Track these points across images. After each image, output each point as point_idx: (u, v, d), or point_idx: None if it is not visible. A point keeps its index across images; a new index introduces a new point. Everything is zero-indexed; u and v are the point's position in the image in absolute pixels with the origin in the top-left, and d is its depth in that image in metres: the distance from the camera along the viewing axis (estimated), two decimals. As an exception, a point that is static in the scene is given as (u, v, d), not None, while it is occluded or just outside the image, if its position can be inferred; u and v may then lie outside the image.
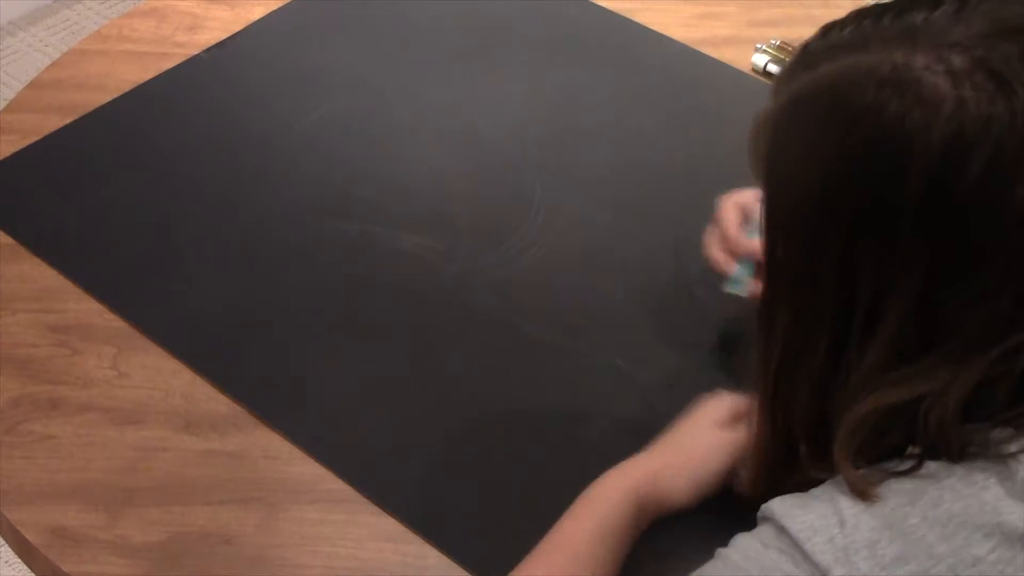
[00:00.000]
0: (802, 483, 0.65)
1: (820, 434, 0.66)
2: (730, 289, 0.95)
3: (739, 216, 0.95)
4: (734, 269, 0.95)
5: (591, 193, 1.18)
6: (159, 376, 0.99)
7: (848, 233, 0.60)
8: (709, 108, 1.27)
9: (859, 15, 0.62)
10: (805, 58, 0.63)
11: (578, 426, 0.96)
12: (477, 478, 0.92)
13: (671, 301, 1.07)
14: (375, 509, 0.90)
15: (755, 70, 1.32)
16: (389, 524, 0.89)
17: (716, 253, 0.96)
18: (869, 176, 0.58)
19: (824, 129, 0.59)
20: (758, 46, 1.33)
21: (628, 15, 1.42)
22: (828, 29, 0.63)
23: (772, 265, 0.66)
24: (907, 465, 0.61)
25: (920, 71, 0.57)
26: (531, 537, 0.82)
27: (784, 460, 0.71)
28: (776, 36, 1.33)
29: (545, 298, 1.07)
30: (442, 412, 0.97)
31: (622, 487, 0.82)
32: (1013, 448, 0.58)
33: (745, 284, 0.94)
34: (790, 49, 1.26)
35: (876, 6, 0.62)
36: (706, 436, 0.85)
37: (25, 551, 0.89)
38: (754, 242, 0.91)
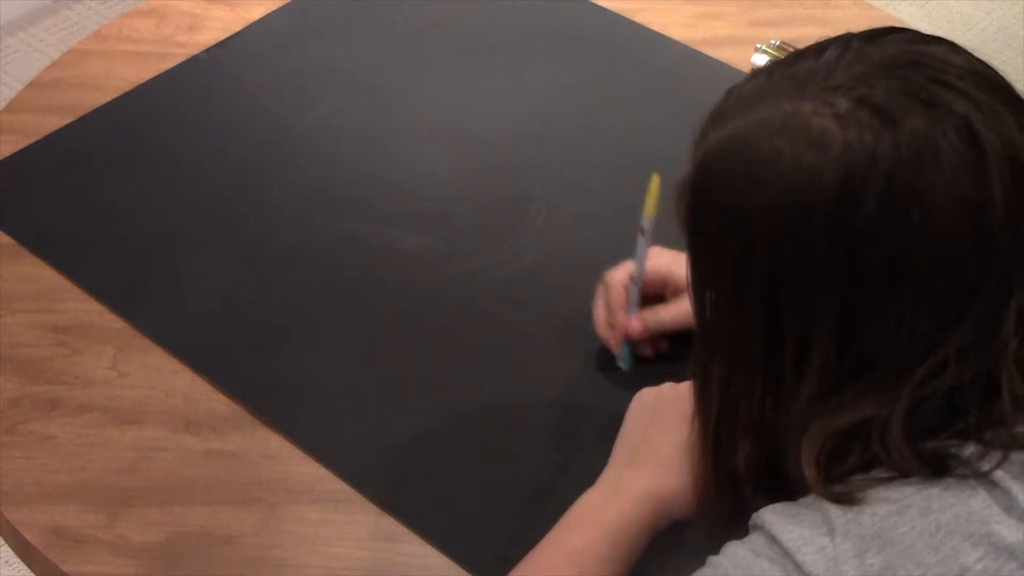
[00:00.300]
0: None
1: (765, 474, 0.69)
2: (620, 365, 1.00)
3: (623, 295, 0.97)
4: (622, 350, 0.99)
5: (591, 193, 1.18)
6: (159, 376, 0.99)
7: (767, 279, 0.62)
8: (709, 108, 1.26)
9: (756, 73, 0.66)
10: (713, 118, 0.66)
11: (578, 426, 0.96)
12: (477, 478, 0.92)
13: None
14: (375, 509, 0.90)
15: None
16: (389, 524, 0.89)
17: (605, 332, 0.99)
18: (776, 223, 0.61)
19: (732, 184, 0.63)
20: (758, 46, 1.33)
21: (628, 15, 1.42)
22: (731, 90, 0.67)
23: (702, 322, 0.69)
24: (890, 474, 0.62)
25: (808, 116, 0.60)
26: (531, 536, 0.82)
27: (730, 504, 0.73)
28: (776, 36, 1.33)
29: (545, 298, 1.07)
30: (442, 412, 0.97)
31: (633, 510, 0.81)
32: (987, 465, 0.60)
33: (630, 361, 0.99)
34: (790, 49, 1.26)
35: (770, 62, 0.66)
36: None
37: (25, 551, 0.89)
38: (632, 321, 0.96)
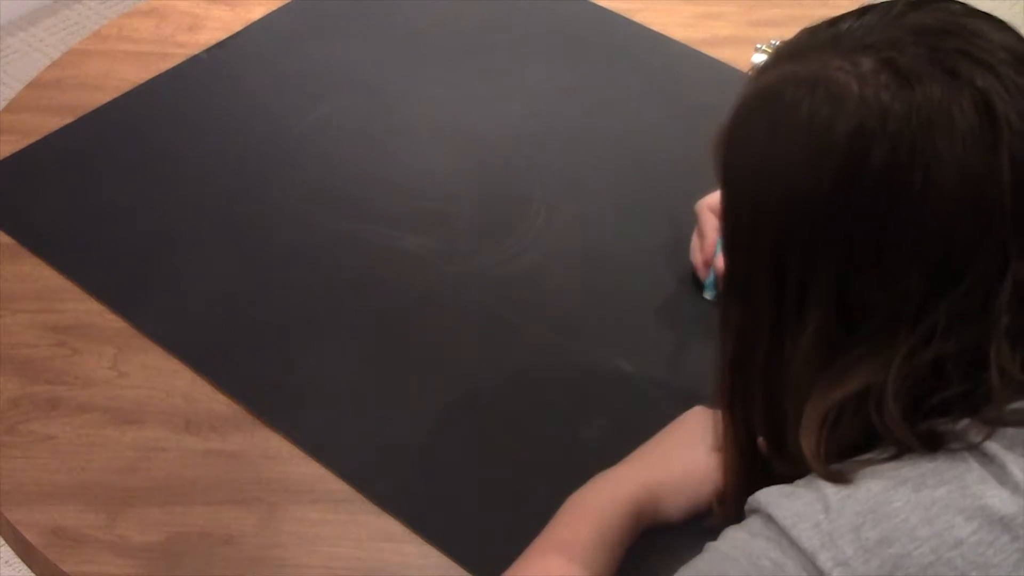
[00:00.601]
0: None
1: (774, 430, 0.70)
2: (706, 295, 1.00)
3: (714, 222, 0.99)
4: (708, 277, 1.00)
5: (591, 193, 1.18)
6: (159, 376, 0.99)
7: (777, 226, 0.64)
8: (709, 108, 1.26)
9: (803, 30, 0.68)
10: (756, 71, 0.68)
11: (578, 426, 0.96)
12: (477, 478, 0.92)
13: (671, 301, 1.07)
14: (375, 509, 0.90)
15: (755, 70, 1.32)
16: (389, 524, 0.89)
17: (696, 258, 1.01)
18: (789, 170, 0.63)
19: (758, 131, 0.65)
20: (758, 46, 1.33)
21: (628, 15, 1.42)
22: (781, 44, 0.69)
23: (727, 266, 0.71)
24: (887, 454, 0.63)
25: (833, 71, 0.62)
26: (530, 536, 0.82)
27: (751, 468, 0.74)
28: (776, 36, 1.33)
29: (545, 298, 1.07)
30: (442, 412, 0.97)
31: (621, 497, 0.82)
32: (977, 438, 0.61)
33: (714, 293, 1.00)
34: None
35: (821, 21, 0.68)
36: (703, 456, 0.85)
37: (25, 551, 0.89)
38: (719, 258, 0.96)
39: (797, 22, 0.69)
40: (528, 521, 0.86)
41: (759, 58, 1.32)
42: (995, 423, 0.61)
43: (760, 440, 0.73)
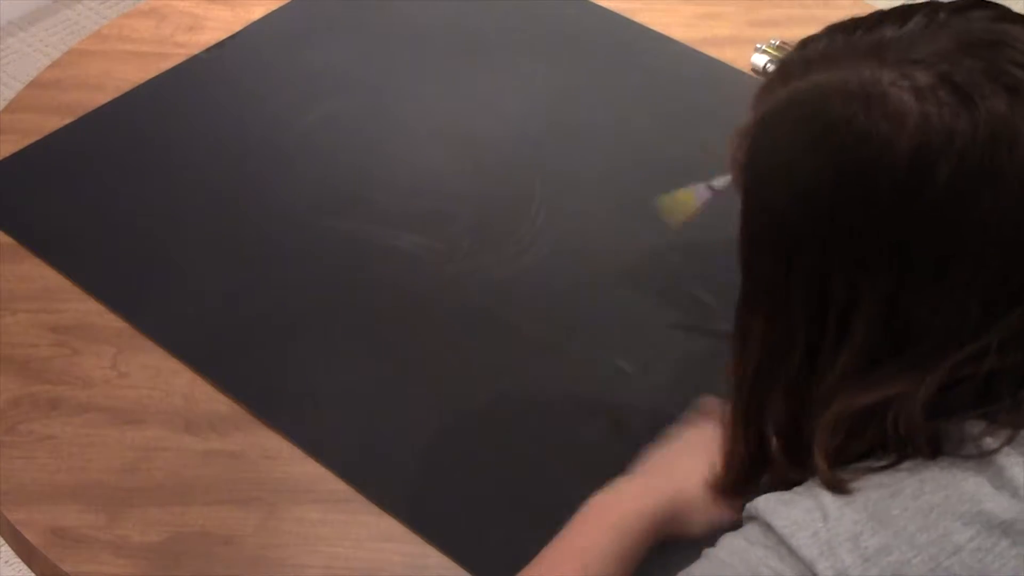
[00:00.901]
0: (774, 485, 0.66)
1: (793, 437, 0.69)
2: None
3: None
4: None
5: (591, 193, 1.18)
6: (159, 376, 0.99)
7: (821, 242, 0.62)
8: (709, 108, 1.27)
9: (833, 30, 0.65)
10: (783, 72, 0.65)
11: (578, 426, 0.96)
12: (477, 478, 0.92)
13: (671, 301, 1.07)
14: (375, 509, 0.90)
15: (755, 70, 1.32)
16: (389, 524, 0.89)
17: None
18: (840, 187, 0.60)
19: (797, 142, 0.62)
20: (758, 46, 1.33)
21: (628, 15, 1.42)
22: (805, 43, 0.65)
23: (749, 274, 0.68)
24: (885, 462, 0.62)
25: (887, 86, 0.59)
26: (531, 537, 0.82)
27: (754, 464, 0.74)
28: (776, 36, 1.33)
29: (545, 298, 1.07)
30: (442, 412, 0.97)
31: (642, 509, 0.81)
32: (989, 441, 0.60)
33: None
34: (789, 49, 1.27)
35: (850, 20, 0.64)
36: None
37: (25, 551, 0.89)
38: None
39: (797, 22, 0.69)
40: (528, 521, 0.86)
41: (759, 58, 1.32)
42: (1015, 426, 0.60)
43: (774, 444, 0.72)
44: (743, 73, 1.32)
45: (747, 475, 0.75)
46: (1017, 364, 0.60)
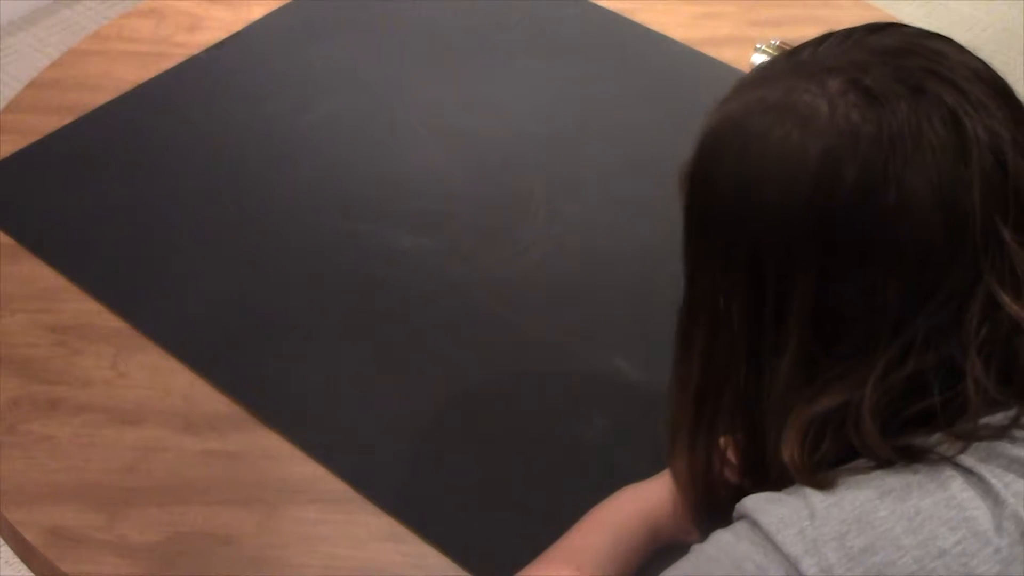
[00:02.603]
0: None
1: (758, 454, 0.70)
2: None
3: None
4: None
5: (591, 193, 1.18)
6: (159, 376, 0.99)
7: (751, 246, 0.65)
8: (709, 108, 1.26)
9: (761, 63, 0.70)
10: (718, 102, 0.69)
11: (578, 426, 0.96)
12: (477, 478, 0.92)
13: (672, 301, 1.06)
14: (375, 509, 0.90)
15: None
16: (389, 524, 0.89)
17: None
18: (761, 193, 0.64)
19: (726, 155, 0.66)
20: (758, 46, 1.33)
21: (628, 15, 1.42)
22: (740, 78, 0.70)
23: (690, 289, 0.71)
24: (872, 463, 0.63)
25: (800, 94, 0.63)
26: (530, 537, 0.82)
27: (709, 486, 0.75)
28: (776, 36, 1.33)
29: (545, 298, 1.07)
30: (442, 412, 0.97)
31: (640, 511, 0.82)
32: (951, 452, 0.61)
33: None
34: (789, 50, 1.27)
35: (778, 53, 0.70)
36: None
37: (25, 551, 0.89)
38: None
39: (797, 22, 0.70)
40: (528, 521, 0.86)
41: (759, 58, 1.32)
42: (968, 437, 0.61)
43: (727, 460, 0.74)
44: (743, 73, 1.32)
45: (706, 497, 0.76)
46: (942, 361, 0.62)
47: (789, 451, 0.64)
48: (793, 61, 0.66)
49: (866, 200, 0.60)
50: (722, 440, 0.75)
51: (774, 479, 0.66)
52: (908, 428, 0.63)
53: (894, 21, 0.67)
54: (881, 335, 0.62)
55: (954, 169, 0.60)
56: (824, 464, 0.64)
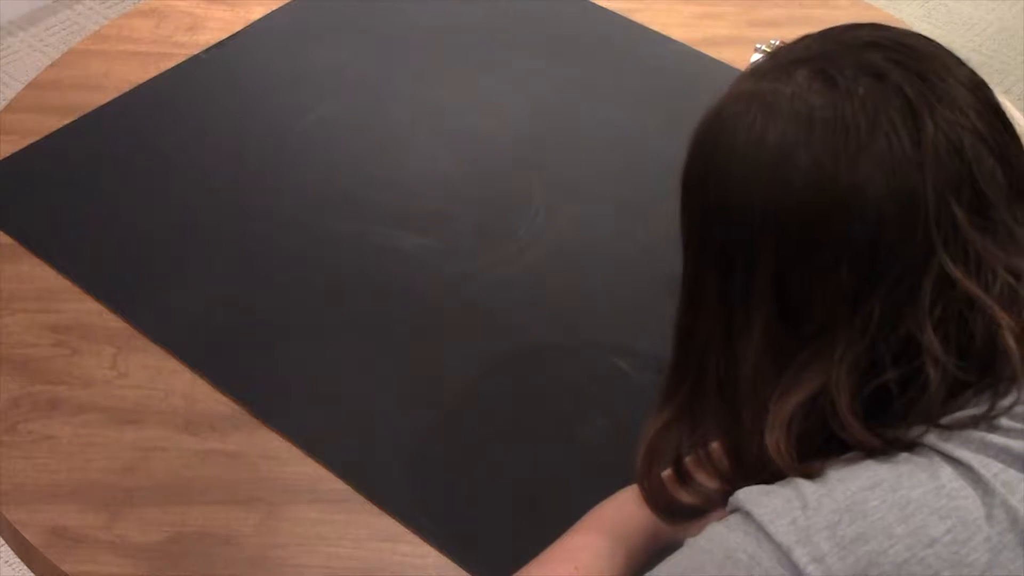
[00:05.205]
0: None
1: (736, 443, 0.71)
2: None
3: None
4: None
5: (591, 193, 1.18)
6: (159, 376, 0.99)
7: (721, 228, 0.67)
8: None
9: (757, 61, 0.71)
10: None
11: (577, 426, 0.96)
12: (477, 478, 0.92)
13: (671, 301, 1.06)
14: (375, 509, 0.90)
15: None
16: (389, 524, 0.89)
17: None
18: (730, 177, 0.66)
19: (704, 144, 0.69)
20: (758, 46, 1.33)
21: (628, 15, 1.42)
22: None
23: (684, 272, 0.73)
24: (860, 455, 0.64)
25: (769, 83, 0.66)
26: (530, 537, 0.82)
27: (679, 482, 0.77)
28: (776, 36, 1.33)
29: (545, 298, 1.07)
30: (442, 412, 0.97)
31: (639, 512, 0.82)
32: (948, 446, 0.62)
33: None
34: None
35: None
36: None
37: (25, 551, 0.89)
38: None
39: (797, 22, 0.70)
40: (527, 521, 0.86)
41: (759, 58, 1.32)
42: (943, 426, 0.63)
43: (712, 452, 0.74)
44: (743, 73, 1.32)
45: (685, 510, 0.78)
46: (903, 337, 0.63)
47: (775, 445, 0.65)
48: (773, 58, 0.68)
49: (818, 181, 0.62)
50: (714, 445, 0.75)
51: (766, 478, 0.66)
52: (886, 414, 0.64)
53: (878, 21, 0.69)
54: (840, 315, 0.63)
55: (908, 154, 0.61)
56: (812, 454, 0.65)
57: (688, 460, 0.76)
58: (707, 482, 0.76)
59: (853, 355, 0.63)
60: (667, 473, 0.78)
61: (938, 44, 0.67)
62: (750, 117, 0.65)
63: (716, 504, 0.76)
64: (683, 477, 0.77)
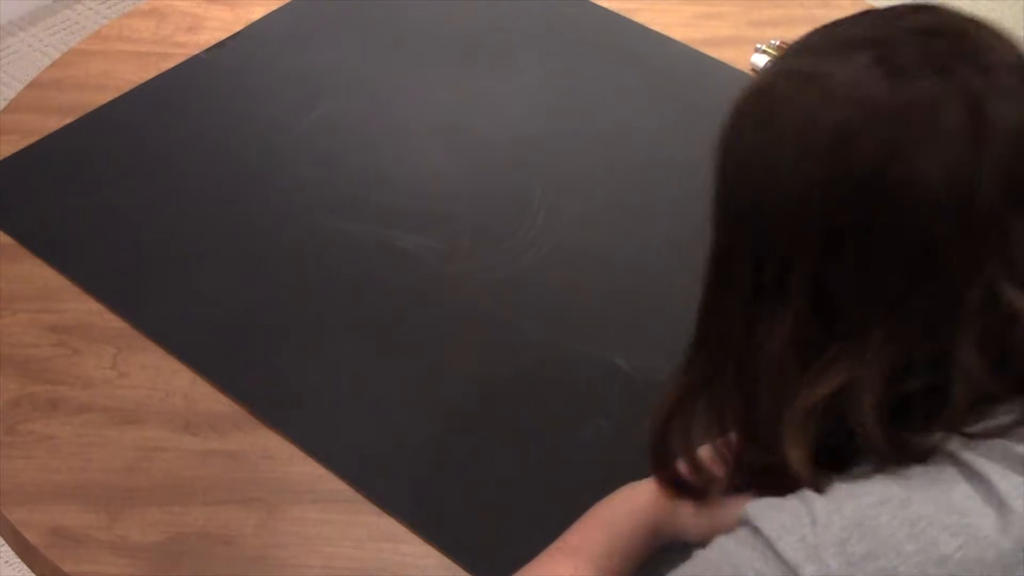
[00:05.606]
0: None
1: (752, 431, 0.70)
2: None
3: None
4: None
5: (591, 193, 1.18)
6: (159, 376, 0.99)
7: (764, 214, 0.65)
8: (709, 108, 1.25)
9: (804, 35, 0.68)
10: (757, 73, 0.70)
11: (577, 426, 0.96)
12: (477, 478, 0.92)
13: (671, 301, 1.07)
14: (375, 509, 0.90)
15: (755, 70, 1.32)
16: (389, 524, 0.89)
17: None
18: (778, 159, 0.63)
19: (750, 122, 0.66)
20: (758, 46, 1.33)
21: (628, 15, 1.42)
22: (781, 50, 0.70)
23: (712, 252, 0.70)
24: (872, 466, 0.63)
25: (826, 65, 0.63)
26: (530, 537, 0.82)
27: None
28: (776, 36, 1.33)
29: (545, 298, 1.07)
30: (442, 412, 0.97)
31: (639, 509, 0.82)
32: (967, 454, 0.61)
33: None
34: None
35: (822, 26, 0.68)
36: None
37: (25, 551, 0.89)
38: None
39: (797, 22, 0.70)
40: (528, 521, 0.86)
41: (759, 58, 1.32)
42: (972, 436, 0.61)
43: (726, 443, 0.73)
44: (743, 73, 1.32)
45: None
46: (936, 346, 0.61)
47: (789, 445, 0.64)
48: (828, 35, 0.65)
49: (875, 175, 0.60)
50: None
51: (775, 482, 0.65)
52: (908, 420, 0.62)
53: (935, 3, 0.67)
54: (877, 317, 0.62)
55: (968, 154, 0.59)
56: (825, 459, 0.64)
57: (703, 448, 0.75)
58: (714, 468, 0.75)
59: (884, 358, 0.62)
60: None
61: (997, 31, 0.64)
62: (805, 101, 0.62)
63: (718, 490, 0.75)
64: (693, 462, 0.76)
